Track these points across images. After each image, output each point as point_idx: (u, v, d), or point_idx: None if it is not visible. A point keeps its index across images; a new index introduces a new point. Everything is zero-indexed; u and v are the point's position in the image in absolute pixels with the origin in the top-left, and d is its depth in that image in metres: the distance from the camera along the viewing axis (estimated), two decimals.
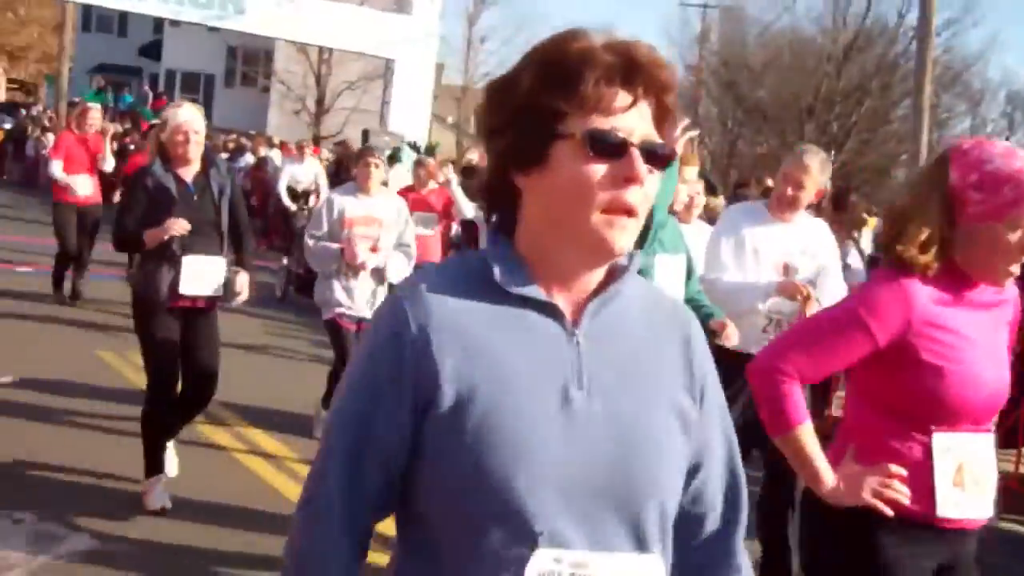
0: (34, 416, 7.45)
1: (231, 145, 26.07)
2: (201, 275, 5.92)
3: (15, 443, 6.79)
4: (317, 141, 33.37)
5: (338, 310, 7.17)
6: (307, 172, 17.64)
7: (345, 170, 17.25)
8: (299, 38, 28.51)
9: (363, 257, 7.08)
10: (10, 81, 58.31)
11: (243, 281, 6.15)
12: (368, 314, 7.02)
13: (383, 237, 7.23)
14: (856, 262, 10.42)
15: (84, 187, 12.06)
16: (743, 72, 41.21)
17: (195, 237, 5.85)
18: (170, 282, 5.84)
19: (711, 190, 12.63)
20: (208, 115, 28.52)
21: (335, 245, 7.10)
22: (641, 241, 2.41)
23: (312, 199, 16.35)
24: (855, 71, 38.06)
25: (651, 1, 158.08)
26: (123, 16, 43.75)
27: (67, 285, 12.30)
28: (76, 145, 12.10)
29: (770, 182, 13.19)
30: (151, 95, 39.91)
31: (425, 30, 26.36)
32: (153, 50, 45.73)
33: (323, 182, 17.20)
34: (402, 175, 17.16)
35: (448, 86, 64.57)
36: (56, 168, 12.03)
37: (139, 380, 8.70)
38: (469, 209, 11.23)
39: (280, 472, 6.93)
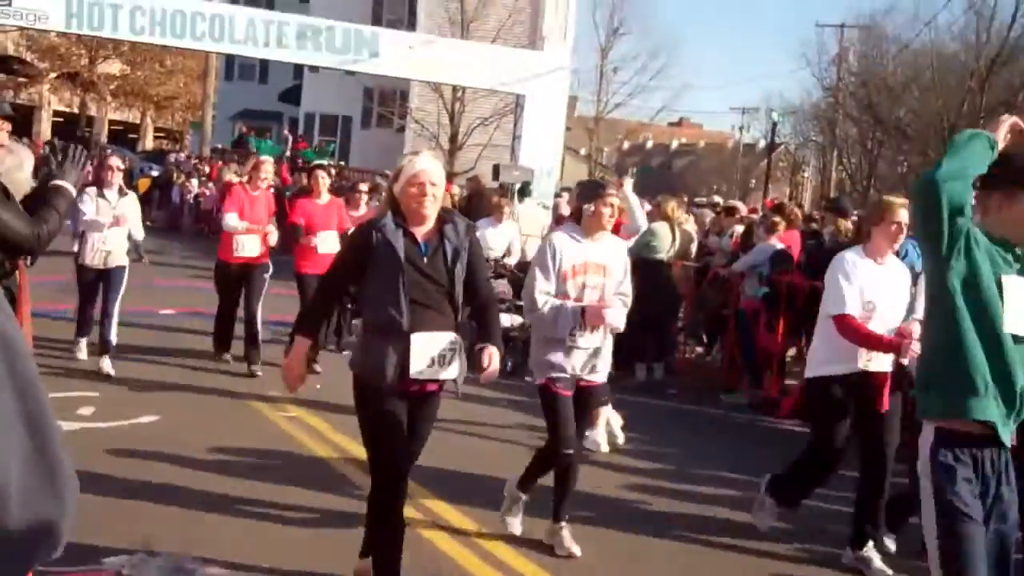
0: (176, 458, 7.66)
1: (367, 186, 26.48)
2: (433, 355, 5.09)
3: (165, 480, 6.99)
4: (450, 177, 33.77)
5: (553, 375, 6.30)
6: (500, 238, 13.84)
7: (476, 204, 17.40)
8: (432, 78, 28.93)
9: (611, 319, 6.31)
10: (157, 130, 60.63)
11: (492, 357, 5.22)
12: (588, 376, 6.43)
13: (608, 285, 6.40)
14: None
15: (251, 247, 11.24)
16: (882, 91, 40.38)
17: (425, 309, 5.05)
18: (397, 363, 5.03)
19: (841, 212, 12.42)
20: (345, 156, 29.33)
21: (571, 303, 6.25)
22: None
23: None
24: (1000, 85, 36.96)
25: (788, 24, 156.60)
26: (264, 64, 45.01)
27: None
28: (248, 201, 11.31)
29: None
30: (291, 138, 40.97)
31: (556, 64, 26.50)
32: (292, 95, 46.93)
33: (517, 247, 14.16)
34: (532, 209, 17.27)
35: (581, 117, 64.93)
36: (231, 219, 11.19)
37: (292, 430, 8.90)
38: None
39: (466, 547, 6.53)
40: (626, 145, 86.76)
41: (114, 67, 50.30)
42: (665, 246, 12.94)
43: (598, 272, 6.35)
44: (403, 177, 5.10)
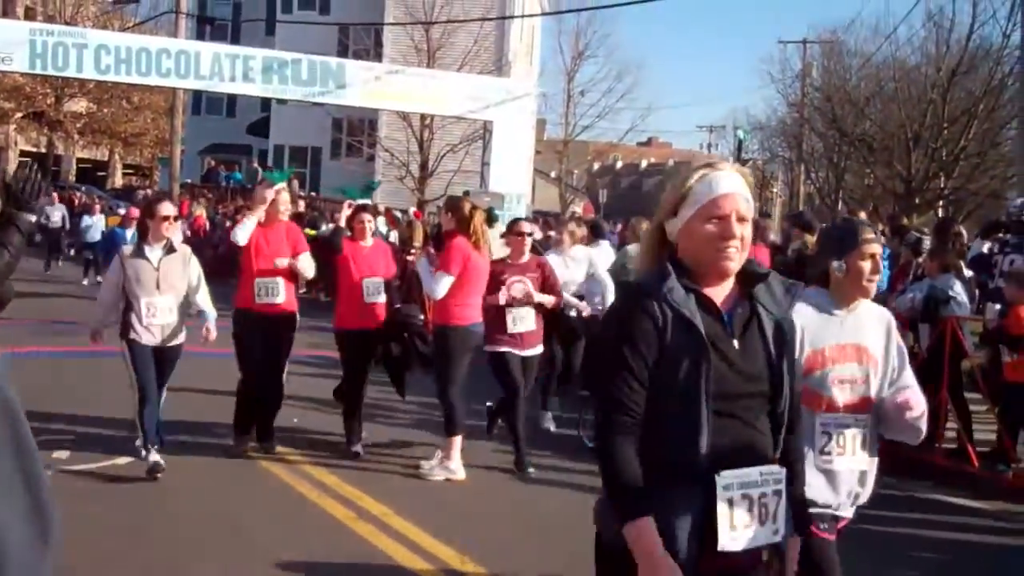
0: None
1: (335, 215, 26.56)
2: (755, 516, 3.03)
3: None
4: (421, 206, 33.87)
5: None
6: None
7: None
8: (400, 107, 29.08)
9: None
10: (126, 167, 60.46)
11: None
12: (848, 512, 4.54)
13: (872, 378, 4.34)
14: (961, 294, 10.23)
15: (275, 292, 9.23)
16: (846, 105, 40.74)
17: (739, 427, 3.01)
18: (695, 527, 2.97)
19: (805, 227, 12.56)
20: (315, 186, 29.35)
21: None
22: None
23: None
24: (961, 96, 37.32)
25: (750, 41, 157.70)
26: (231, 98, 45.08)
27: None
28: (264, 237, 9.25)
29: (863, 215, 13.05)
30: (260, 171, 40.97)
31: (522, 90, 26.70)
32: (261, 127, 46.99)
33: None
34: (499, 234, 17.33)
35: (549, 140, 65.17)
36: (239, 230, 9.23)
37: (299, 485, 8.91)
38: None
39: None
40: (596, 166, 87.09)
41: (80, 105, 50.20)
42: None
43: (857, 358, 4.34)
44: (690, 204, 3.12)
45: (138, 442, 8.32)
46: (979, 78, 36.69)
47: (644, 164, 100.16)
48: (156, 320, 8.24)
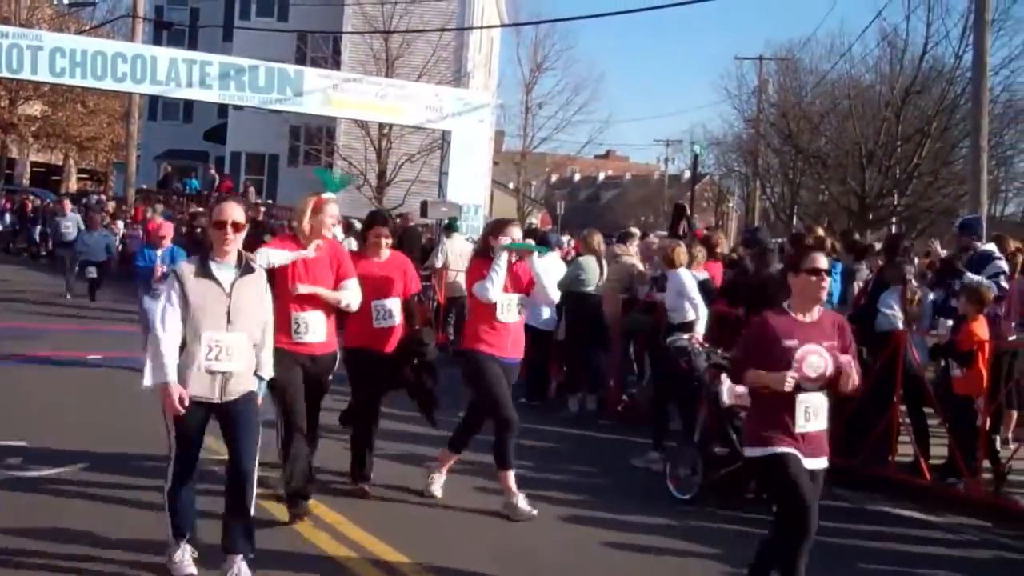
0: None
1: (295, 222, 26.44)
2: None
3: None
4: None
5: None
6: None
7: (407, 241, 17.41)
8: (357, 116, 29.01)
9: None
10: (80, 171, 59.87)
11: None
12: None
13: None
14: (893, 310, 10.35)
15: (316, 329, 7.62)
16: (802, 122, 41.16)
17: None
18: None
19: (759, 245, 12.67)
20: (272, 195, 29.16)
21: None
22: None
23: None
24: (915, 114, 37.84)
25: (708, 58, 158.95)
26: (188, 103, 44.79)
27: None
28: (303, 261, 7.58)
29: (820, 231, 13.18)
30: (217, 178, 40.71)
31: (480, 101, 26.72)
32: (218, 134, 46.71)
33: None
34: (460, 244, 17.39)
35: (508, 152, 65.31)
36: (274, 255, 7.45)
37: None
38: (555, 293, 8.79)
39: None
40: (554, 178, 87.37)
41: (35, 108, 49.65)
42: (594, 279, 13.15)
43: None
44: None
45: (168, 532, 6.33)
46: (932, 97, 37.23)
47: (601, 177, 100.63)
48: (219, 365, 6.06)
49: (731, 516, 8.54)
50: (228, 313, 6.05)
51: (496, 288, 8.01)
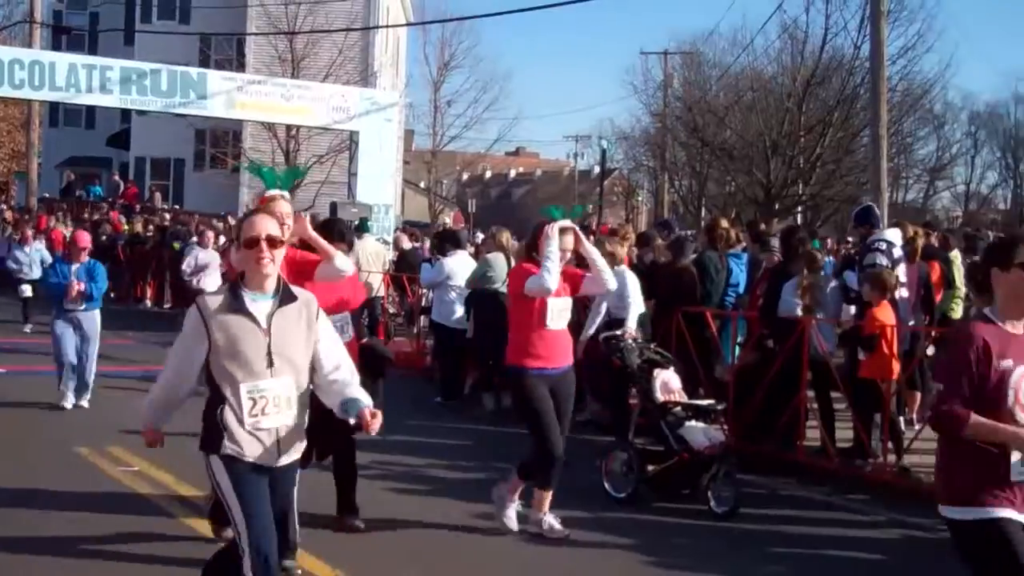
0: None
1: (203, 228, 26.18)
2: None
3: None
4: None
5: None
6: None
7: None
8: (263, 118, 28.74)
9: None
10: None
11: None
12: None
13: None
14: (788, 297, 10.57)
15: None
16: (707, 115, 41.62)
17: None
18: None
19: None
20: (179, 200, 28.78)
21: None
22: None
23: None
24: (816, 105, 38.48)
25: (612, 52, 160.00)
26: (90, 109, 43.93)
27: None
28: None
29: (725, 222, 13.37)
30: (122, 184, 40.05)
31: (388, 100, 26.64)
32: (121, 139, 45.89)
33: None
34: (371, 245, 17.33)
35: (418, 150, 65.14)
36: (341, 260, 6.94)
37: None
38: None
39: None
40: (465, 176, 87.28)
41: None
42: (502, 276, 13.17)
43: None
44: None
45: None
46: (833, 88, 37.90)
47: (513, 174, 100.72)
48: (267, 420, 4.80)
49: (664, 508, 8.66)
50: (269, 355, 4.79)
51: (554, 276, 7.37)
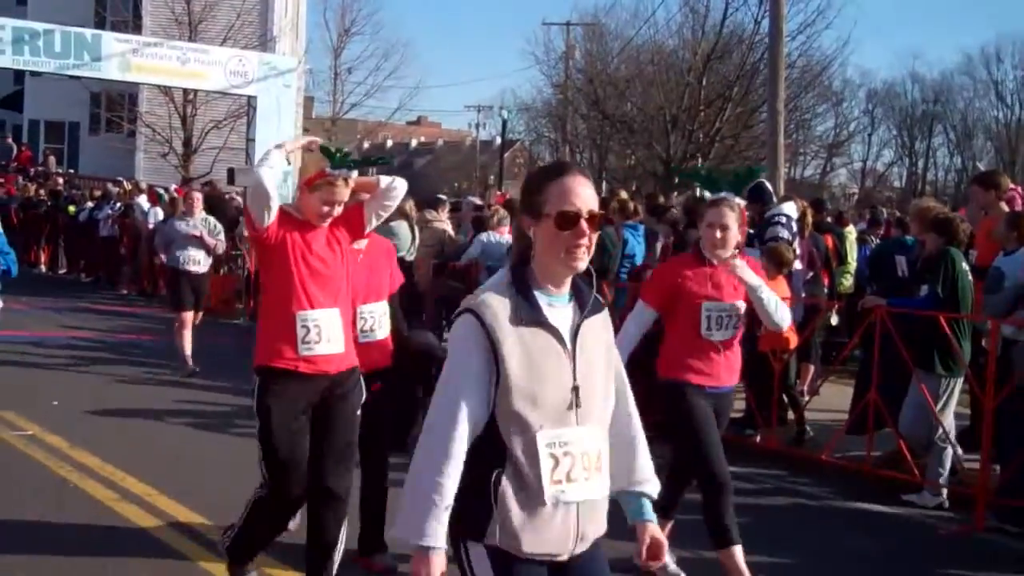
0: None
1: (97, 192, 25.70)
2: None
3: None
4: (185, 183, 33.09)
5: None
6: None
7: (217, 210, 17.11)
8: (159, 81, 28.25)
9: None
10: None
11: None
12: None
13: None
14: None
15: (335, 340, 5.50)
16: (608, 88, 41.82)
17: None
18: None
19: None
20: (74, 164, 28.32)
21: None
22: None
23: None
24: (716, 80, 38.91)
25: (515, 22, 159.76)
26: None
27: None
28: (304, 238, 5.61)
29: (624, 194, 13.50)
30: (15, 148, 39.05)
31: (286, 65, 26.36)
32: (15, 101, 44.70)
33: None
34: None
35: (318, 118, 64.45)
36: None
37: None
38: None
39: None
40: (366, 145, 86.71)
41: None
42: (406, 244, 13.19)
43: None
44: None
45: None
46: (733, 63, 38.37)
47: (414, 143, 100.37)
48: (574, 490, 3.17)
49: None
50: (576, 389, 3.19)
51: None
